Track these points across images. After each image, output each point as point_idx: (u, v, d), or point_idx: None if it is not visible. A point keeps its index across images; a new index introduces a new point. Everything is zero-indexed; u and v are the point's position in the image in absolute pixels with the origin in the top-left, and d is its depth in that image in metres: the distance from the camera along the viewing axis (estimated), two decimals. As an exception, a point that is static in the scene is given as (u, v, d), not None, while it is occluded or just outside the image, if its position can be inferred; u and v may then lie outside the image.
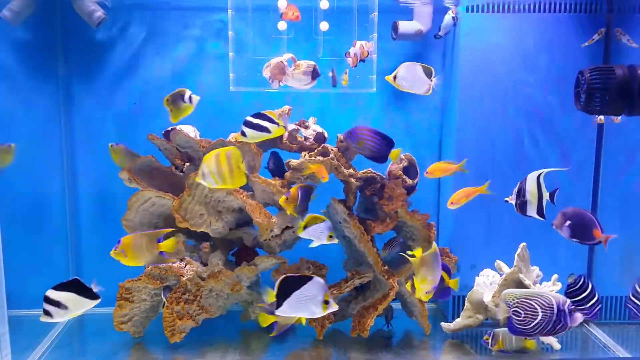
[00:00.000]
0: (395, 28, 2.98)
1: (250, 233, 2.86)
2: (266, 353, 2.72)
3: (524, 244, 2.72)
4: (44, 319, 2.30)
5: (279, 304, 2.23)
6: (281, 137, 2.80)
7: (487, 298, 2.76)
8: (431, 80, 2.45)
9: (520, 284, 2.73)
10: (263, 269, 2.75)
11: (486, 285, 2.83)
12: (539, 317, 2.30)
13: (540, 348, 2.75)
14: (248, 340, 2.84)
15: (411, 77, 2.45)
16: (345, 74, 2.68)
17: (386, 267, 2.75)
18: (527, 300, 2.32)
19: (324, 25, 2.77)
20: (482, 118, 2.92)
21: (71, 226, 3.19)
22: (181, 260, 2.76)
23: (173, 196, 2.67)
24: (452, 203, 2.53)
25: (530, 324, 2.32)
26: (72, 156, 3.15)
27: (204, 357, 2.64)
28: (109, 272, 3.02)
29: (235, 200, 2.65)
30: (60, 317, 2.30)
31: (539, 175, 2.28)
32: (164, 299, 2.68)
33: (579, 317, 2.29)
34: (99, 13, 2.88)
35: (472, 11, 2.85)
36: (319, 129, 2.82)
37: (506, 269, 2.75)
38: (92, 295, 2.34)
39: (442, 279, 2.45)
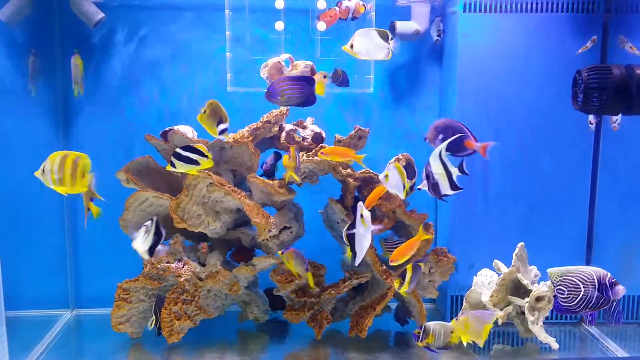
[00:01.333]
0: (392, 28, 2.98)
1: (248, 233, 2.86)
2: (264, 353, 2.72)
3: (521, 243, 2.73)
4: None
5: None
6: (279, 137, 2.80)
7: (485, 298, 2.76)
8: (389, 44, 2.38)
9: (518, 284, 2.74)
10: (261, 269, 2.75)
11: (484, 285, 2.83)
12: (582, 293, 2.29)
13: (539, 347, 2.76)
14: (246, 341, 2.84)
15: (368, 43, 2.39)
16: (325, 77, 2.64)
17: (384, 267, 2.75)
18: (569, 277, 2.32)
19: (321, 26, 2.77)
20: (480, 117, 2.92)
21: (69, 227, 3.19)
22: (179, 260, 2.76)
23: (170, 197, 2.66)
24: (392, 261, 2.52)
25: (574, 301, 2.32)
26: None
27: (202, 357, 2.64)
28: (107, 273, 3.04)
29: (233, 200, 2.65)
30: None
31: (440, 152, 2.22)
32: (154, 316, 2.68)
33: (621, 289, 2.29)
34: (97, 14, 2.88)
35: (469, 11, 2.85)
36: (317, 129, 2.82)
37: (504, 269, 2.75)
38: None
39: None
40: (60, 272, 3.19)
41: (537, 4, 2.84)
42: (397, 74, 3.20)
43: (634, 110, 2.41)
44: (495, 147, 2.92)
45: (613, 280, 2.31)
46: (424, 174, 2.27)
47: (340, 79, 2.73)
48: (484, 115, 2.92)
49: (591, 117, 2.85)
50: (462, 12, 2.85)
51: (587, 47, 2.82)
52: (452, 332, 2.46)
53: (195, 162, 2.43)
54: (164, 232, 2.46)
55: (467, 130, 2.28)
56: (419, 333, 2.47)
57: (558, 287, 2.33)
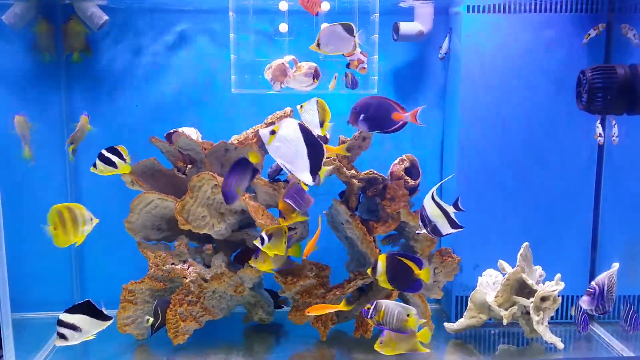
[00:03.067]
0: (396, 29, 2.99)
1: (253, 235, 2.87)
2: (270, 354, 2.73)
3: (526, 243, 2.73)
4: (60, 342, 2.34)
5: None
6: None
7: (490, 298, 2.76)
8: (354, 37, 2.37)
9: (523, 284, 2.74)
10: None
11: (489, 285, 2.84)
12: None
13: (544, 347, 2.76)
14: (251, 342, 2.85)
15: (334, 39, 2.37)
16: (335, 78, 2.65)
17: (389, 268, 2.75)
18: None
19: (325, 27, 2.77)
20: (484, 119, 2.92)
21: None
22: (184, 262, 2.76)
23: (175, 198, 2.67)
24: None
25: None
26: (74, 159, 3.15)
27: (208, 358, 2.65)
28: (112, 274, 3.05)
29: (238, 202, 2.65)
30: (74, 340, 2.36)
31: (432, 195, 2.23)
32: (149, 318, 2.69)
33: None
34: (102, 16, 2.89)
35: (473, 12, 2.85)
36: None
37: (509, 269, 2.75)
38: (104, 317, 2.39)
39: (411, 270, 2.39)
40: (65, 274, 3.20)
41: (540, 4, 2.84)
42: (401, 75, 3.20)
43: (638, 110, 2.41)
44: (497, 148, 2.94)
45: None
46: (419, 219, 2.27)
47: (352, 82, 2.74)
48: (488, 115, 2.92)
49: (600, 130, 2.84)
50: (466, 12, 2.85)
51: (590, 35, 2.80)
52: (408, 315, 2.37)
53: (114, 165, 2.46)
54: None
55: (391, 103, 2.24)
56: (369, 308, 2.40)
57: None
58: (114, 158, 2.46)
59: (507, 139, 2.94)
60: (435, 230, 2.23)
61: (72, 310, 2.34)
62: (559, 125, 2.92)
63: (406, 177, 2.75)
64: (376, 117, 2.24)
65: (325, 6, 2.72)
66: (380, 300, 2.39)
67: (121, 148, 2.48)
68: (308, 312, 2.61)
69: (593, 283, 2.13)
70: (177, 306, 2.68)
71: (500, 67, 2.89)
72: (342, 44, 2.38)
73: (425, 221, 2.23)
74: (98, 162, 2.46)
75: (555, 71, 2.88)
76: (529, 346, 2.80)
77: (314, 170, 2.10)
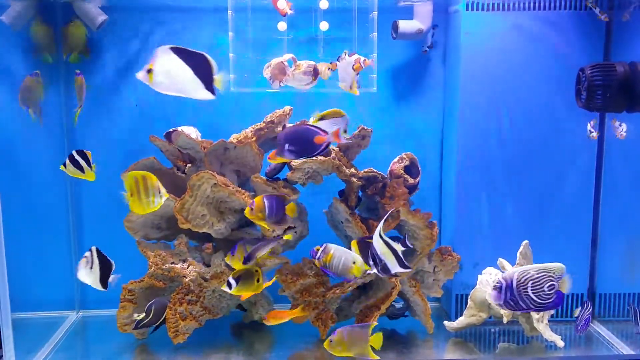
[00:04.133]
0: (395, 27, 2.98)
1: (253, 234, 2.87)
2: (270, 353, 2.72)
3: (526, 241, 2.72)
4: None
5: None
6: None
7: (490, 296, 2.76)
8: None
9: (523, 282, 2.73)
10: (266, 269, 2.76)
11: (489, 283, 2.83)
12: None
13: (544, 346, 2.76)
14: (251, 341, 2.85)
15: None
16: (329, 69, 2.64)
17: (389, 266, 2.75)
18: None
19: (323, 25, 2.77)
20: (484, 116, 2.91)
21: (74, 229, 3.20)
22: (184, 261, 2.76)
23: (175, 197, 2.67)
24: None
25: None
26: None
27: (208, 358, 2.65)
28: (113, 273, 3.03)
29: (237, 200, 2.66)
30: None
31: (379, 233, 2.24)
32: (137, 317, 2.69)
33: None
34: (100, 16, 2.89)
35: (472, 9, 2.85)
36: (320, 129, 2.82)
37: (509, 267, 2.75)
38: None
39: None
40: (65, 274, 3.19)
41: (539, 1, 2.84)
42: (400, 73, 3.20)
43: (637, 108, 2.41)
44: (497, 145, 2.94)
45: None
46: (369, 258, 2.27)
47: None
48: (487, 113, 2.91)
49: (591, 127, 2.84)
50: (465, 10, 2.85)
51: (596, 6, 2.79)
52: (354, 262, 2.35)
53: (82, 169, 2.48)
54: (112, 262, 2.48)
55: (312, 129, 2.27)
56: (318, 249, 2.39)
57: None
58: (83, 163, 2.47)
59: (506, 136, 2.94)
60: (385, 269, 2.25)
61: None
62: (559, 123, 2.92)
63: (406, 176, 2.75)
64: (300, 144, 2.28)
65: (323, 4, 2.72)
66: (329, 244, 2.37)
67: (88, 153, 2.48)
68: (265, 320, 2.63)
69: (500, 277, 2.13)
70: (177, 305, 2.68)
71: (500, 64, 2.88)
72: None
73: (376, 259, 2.24)
74: (68, 162, 2.47)
75: (554, 69, 2.88)
76: (529, 344, 2.80)
77: (208, 84, 2.06)
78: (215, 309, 2.78)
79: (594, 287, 3.07)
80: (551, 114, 2.91)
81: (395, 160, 2.81)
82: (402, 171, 2.76)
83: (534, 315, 2.66)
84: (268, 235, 2.68)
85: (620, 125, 2.73)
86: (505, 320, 2.71)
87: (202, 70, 2.05)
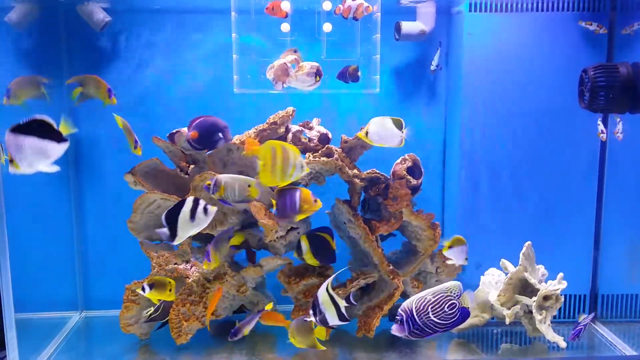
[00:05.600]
0: (398, 29, 2.99)
1: (255, 234, 2.87)
2: (272, 354, 2.73)
3: (529, 242, 2.72)
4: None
5: None
6: (285, 138, 2.81)
7: (493, 297, 2.77)
8: (402, 132, 2.45)
9: (526, 283, 2.74)
10: (268, 270, 2.76)
11: (492, 284, 2.84)
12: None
13: (547, 346, 2.76)
14: (254, 341, 2.85)
15: (382, 131, 2.46)
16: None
17: (391, 267, 2.75)
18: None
19: (327, 27, 2.78)
20: (486, 117, 2.92)
21: (77, 230, 3.21)
22: (187, 262, 2.77)
23: (178, 198, 2.67)
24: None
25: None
26: (77, 160, 3.17)
27: (210, 358, 2.65)
28: (115, 275, 3.05)
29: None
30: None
31: (327, 286, 2.27)
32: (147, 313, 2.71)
33: None
34: (103, 17, 2.90)
35: (475, 10, 2.85)
36: (323, 130, 2.83)
37: (511, 268, 2.75)
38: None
39: (327, 242, 2.52)
40: (69, 275, 3.21)
41: (542, 2, 2.84)
42: (403, 74, 3.20)
43: (639, 108, 2.42)
44: (500, 146, 2.94)
45: None
46: (310, 309, 2.31)
47: (342, 73, 2.74)
48: (490, 114, 2.92)
49: (602, 127, 2.84)
50: (468, 11, 2.85)
51: (590, 24, 2.80)
52: (249, 185, 2.36)
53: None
54: None
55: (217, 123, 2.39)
56: (209, 184, 2.38)
57: None
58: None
59: (509, 137, 2.94)
60: (323, 320, 2.28)
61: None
62: (562, 124, 2.92)
63: (408, 177, 2.75)
64: (206, 135, 2.40)
65: (327, 5, 2.73)
66: (219, 176, 2.37)
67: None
68: (263, 320, 2.65)
69: (400, 309, 2.14)
70: (180, 306, 2.69)
71: (502, 65, 2.89)
72: (390, 138, 2.47)
73: (316, 310, 2.28)
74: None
75: (557, 70, 2.88)
76: (532, 345, 2.80)
77: (57, 136, 1.93)
78: (218, 309, 2.78)
79: (596, 288, 3.07)
80: (554, 114, 2.92)
81: (398, 161, 2.81)
82: (404, 172, 2.76)
83: (537, 316, 2.66)
84: (270, 236, 2.69)
85: (617, 123, 2.74)
86: (507, 321, 2.71)
87: (45, 130, 1.92)
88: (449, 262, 2.66)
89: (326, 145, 2.76)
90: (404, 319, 2.12)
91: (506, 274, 2.77)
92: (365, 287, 2.90)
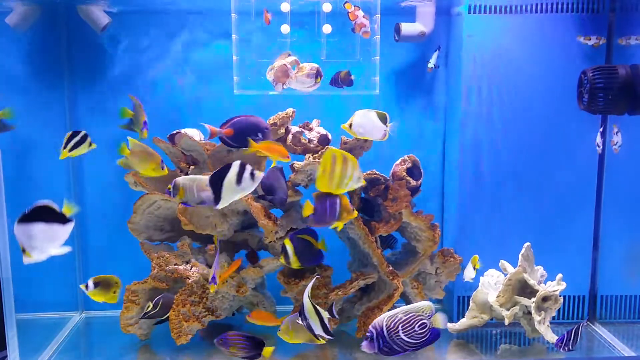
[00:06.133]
0: (397, 30, 2.99)
1: (255, 235, 2.88)
2: (272, 354, 2.73)
3: (528, 244, 2.73)
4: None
5: None
6: (285, 139, 2.81)
7: (492, 298, 2.77)
8: (386, 126, 2.44)
9: (525, 284, 2.74)
10: (268, 270, 2.77)
11: (491, 285, 2.84)
12: None
13: (546, 347, 2.76)
14: (254, 342, 2.86)
15: (366, 123, 2.45)
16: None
17: (391, 268, 2.76)
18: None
19: (326, 28, 2.79)
20: (486, 119, 2.92)
21: (78, 230, 3.22)
22: (187, 262, 2.78)
23: (178, 199, 2.68)
24: None
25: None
26: (78, 160, 3.17)
27: (210, 358, 2.66)
28: (116, 275, 3.05)
29: (240, 202, 2.67)
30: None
31: (308, 295, 2.28)
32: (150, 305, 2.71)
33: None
34: (104, 18, 2.91)
35: (474, 12, 2.86)
36: (323, 131, 2.84)
37: (510, 269, 2.76)
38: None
39: (311, 243, 2.49)
40: (69, 275, 3.21)
41: (541, 4, 2.85)
42: (402, 76, 3.21)
43: (638, 110, 2.42)
44: (498, 148, 2.94)
45: None
46: (299, 312, 2.33)
47: (334, 79, 2.74)
48: (489, 116, 2.92)
49: (598, 140, 2.85)
50: (467, 13, 2.86)
51: (589, 39, 2.81)
52: (206, 184, 2.33)
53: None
54: None
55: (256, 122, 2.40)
56: (169, 188, 2.36)
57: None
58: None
59: (509, 138, 2.95)
60: (309, 327, 2.30)
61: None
62: (561, 126, 2.93)
63: (408, 178, 2.76)
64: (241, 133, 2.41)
65: (327, 7, 2.74)
66: (177, 179, 2.35)
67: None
68: (249, 317, 2.66)
69: (371, 326, 2.15)
70: (180, 306, 2.70)
71: (502, 66, 2.89)
72: (374, 130, 2.46)
73: (302, 316, 2.30)
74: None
75: (556, 71, 2.88)
76: (531, 346, 2.81)
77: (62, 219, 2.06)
78: (218, 310, 2.79)
79: (595, 289, 3.08)
80: (553, 115, 2.92)
81: (398, 162, 2.82)
82: (404, 173, 2.77)
83: (536, 317, 2.67)
84: (270, 237, 2.69)
85: (615, 134, 2.76)
86: (506, 322, 2.71)
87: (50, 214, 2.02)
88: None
89: (326, 146, 2.77)
90: (374, 336, 2.13)
91: (505, 275, 2.78)
92: (365, 288, 2.91)
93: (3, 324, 2.53)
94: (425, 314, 2.14)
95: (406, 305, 2.95)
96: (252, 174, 2.16)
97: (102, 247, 3.23)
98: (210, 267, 2.79)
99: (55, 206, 1.97)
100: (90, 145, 2.51)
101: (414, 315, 2.14)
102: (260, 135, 2.44)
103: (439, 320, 2.15)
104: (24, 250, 1.93)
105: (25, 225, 1.92)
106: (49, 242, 1.96)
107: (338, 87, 2.75)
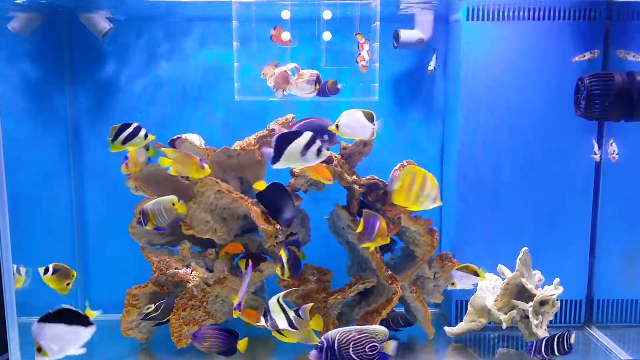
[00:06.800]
0: (396, 37, 3.02)
1: (255, 239, 2.89)
2: (272, 358, 2.75)
3: (525, 248, 2.75)
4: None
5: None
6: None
7: (490, 302, 2.79)
8: (374, 125, 2.46)
9: (522, 288, 2.76)
10: (268, 274, 2.78)
11: (488, 289, 2.86)
12: None
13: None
14: (254, 346, 2.86)
15: (353, 123, 2.46)
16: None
17: (389, 272, 2.78)
18: None
19: (326, 35, 2.81)
20: (484, 124, 2.94)
21: (79, 235, 3.23)
22: (187, 266, 2.79)
23: (179, 203, 2.70)
24: None
25: None
26: (78, 165, 3.19)
27: (211, 362, 2.67)
28: (116, 279, 3.07)
29: (241, 207, 2.69)
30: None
31: (278, 299, 2.31)
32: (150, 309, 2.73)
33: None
34: (105, 24, 2.93)
35: (472, 19, 2.88)
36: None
37: (508, 273, 2.78)
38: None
39: (295, 253, 2.57)
40: (70, 279, 3.23)
41: (539, 12, 2.87)
42: (401, 82, 3.23)
43: (635, 117, 2.45)
44: (497, 154, 2.97)
45: None
46: (262, 316, 2.36)
47: (322, 89, 2.76)
48: (487, 122, 2.94)
49: (596, 149, 2.88)
50: (465, 20, 2.88)
51: (584, 56, 2.84)
52: (173, 204, 2.43)
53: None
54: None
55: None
56: (139, 218, 2.42)
57: None
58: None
59: (506, 144, 2.96)
60: (274, 325, 2.32)
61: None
62: (558, 132, 2.95)
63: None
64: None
65: (327, 14, 2.77)
66: (144, 206, 2.41)
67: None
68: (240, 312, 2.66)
69: (323, 337, 2.17)
70: (181, 310, 2.71)
71: (500, 73, 2.91)
72: (361, 129, 2.47)
73: (267, 316, 2.33)
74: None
75: (553, 78, 2.91)
76: (528, 350, 2.83)
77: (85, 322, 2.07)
78: (218, 313, 2.81)
79: (592, 293, 3.10)
80: (551, 122, 2.94)
81: (397, 167, 2.83)
82: (403, 178, 2.78)
83: (533, 320, 2.69)
84: (270, 242, 2.71)
85: (611, 145, 2.79)
86: (504, 325, 2.73)
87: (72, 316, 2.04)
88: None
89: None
90: (325, 347, 2.15)
91: (503, 279, 2.80)
92: (364, 292, 2.92)
93: (5, 327, 2.54)
94: (379, 337, 2.16)
95: (404, 309, 3.00)
96: (319, 150, 2.18)
97: (103, 251, 3.25)
98: (210, 271, 2.81)
99: (78, 311, 2.02)
100: (146, 137, 2.53)
101: (367, 336, 2.16)
102: (326, 136, 2.47)
103: (390, 348, 2.17)
104: (39, 350, 1.96)
105: (47, 325, 1.97)
106: (69, 343, 2.01)
107: (325, 97, 2.76)
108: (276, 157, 2.21)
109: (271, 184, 2.60)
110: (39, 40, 3.05)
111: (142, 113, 3.17)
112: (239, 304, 2.51)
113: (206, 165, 2.48)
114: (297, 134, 2.20)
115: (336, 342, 2.14)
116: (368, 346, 2.15)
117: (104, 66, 3.13)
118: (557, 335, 2.40)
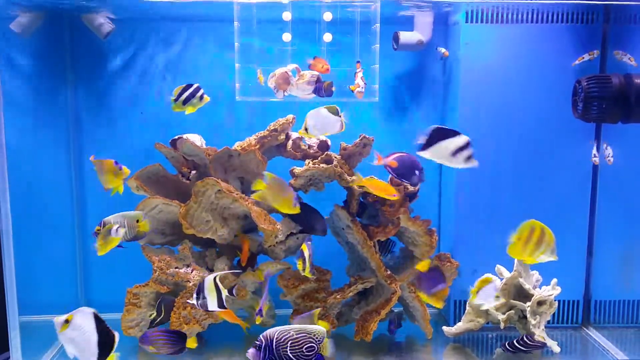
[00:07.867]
0: (396, 39, 3.03)
1: (255, 239, 2.91)
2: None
3: (524, 249, 2.77)
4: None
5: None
6: (285, 145, 2.85)
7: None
8: (340, 117, 2.49)
9: (520, 289, 2.78)
10: (268, 274, 2.79)
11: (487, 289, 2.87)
12: None
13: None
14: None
15: (320, 121, 2.49)
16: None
17: (389, 272, 2.79)
18: None
19: (327, 37, 2.83)
20: (483, 126, 2.95)
21: (80, 233, 3.24)
22: (187, 266, 2.80)
23: (180, 203, 2.71)
24: None
25: None
26: (79, 165, 3.20)
27: (210, 361, 2.68)
28: (117, 278, 3.08)
29: (241, 207, 2.70)
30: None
31: (214, 278, 2.34)
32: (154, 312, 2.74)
33: None
34: (107, 25, 2.95)
35: (472, 21, 2.90)
36: (323, 137, 2.87)
37: (506, 274, 2.80)
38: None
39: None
40: (71, 278, 3.24)
41: (537, 14, 2.89)
42: (401, 84, 3.25)
43: (632, 119, 2.46)
44: (495, 156, 2.98)
45: None
46: (196, 290, 2.38)
47: (317, 89, 2.78)
48: (486, 124, 2.96)
49: (595, 151, 2.90)
50: (464, 22, 2.90)
51: (583, 58, 2.87)
52: (137, 220, 2.48)
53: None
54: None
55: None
56: (98, 230, 2.44)
57: None
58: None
59: (504, 146, 2.98)
60: (203, 304, 2.35)
61: None
62: (556, 134, 2.96)
63: (406, 184, 2.79)
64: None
65: (327, 16, 2.79)
66: (106, 220, 2.46)
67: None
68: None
69: (261, 335, 2.19)
70: (181, 309, 2.72)
71: (499, 75, 2.93)
72: (329, 125, 2.50)
73: (200, 294, 2.36)
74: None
75: (551, 80, 2.92)
76: (526, 350, 2.84)
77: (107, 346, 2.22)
78: (217, 313, 2.81)
79: (589, 294, 3.12)
80: (549, 124, 2.96)
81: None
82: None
83: (531, 321, 2.70)
84: (270, 242, 2.72)
85: (606, 149, 2.81)
86: (502, 326, 2.75)
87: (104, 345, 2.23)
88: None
89: (325, 152, 2.81)
90: (262, 345, 2.16)
91: (501, 279, 2.81)
92: (363, 292, 2.93)
93: (6, 326, 2.56)
94: (317, 338, 2.19)
95: (403, 309, 3.01)
96: (468, 157, 2.35)
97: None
98: (210, 271, 2.82)
99: None
100: (202, 99, 2.57)
101: (305, 336, 2.18)
102: (417, 172, 2.56)
103: (327, 348, 2.19)
104: None
105: None
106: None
107: (320, 96, 2.78)
108: (427, 145, 2.31)
109: (301, 204, 2.61)
110: (41, 39, 3.06)
111: (142, 113, 3.18)
112: (260, 310, 2.54)
113: (297, 206, 2.50)
114: (455, 133, 2.31)
115: (274, 341, 2.16)
116: (306, 346, 2.18)
117: (106, 66, 3.14)
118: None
